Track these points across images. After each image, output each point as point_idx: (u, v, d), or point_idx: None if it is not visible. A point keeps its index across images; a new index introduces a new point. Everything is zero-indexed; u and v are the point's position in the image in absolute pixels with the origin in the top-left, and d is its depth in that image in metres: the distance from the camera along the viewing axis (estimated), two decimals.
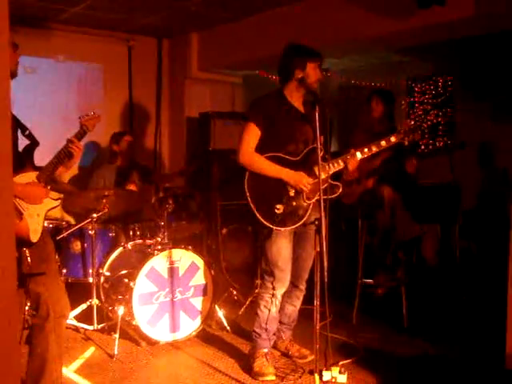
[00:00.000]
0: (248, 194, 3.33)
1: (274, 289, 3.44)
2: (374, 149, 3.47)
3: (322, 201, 2.99)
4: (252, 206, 3.31)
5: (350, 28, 4.72)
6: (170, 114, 6.79)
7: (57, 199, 2.86)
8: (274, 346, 3.71)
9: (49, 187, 2.82)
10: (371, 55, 6.33)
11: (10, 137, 1.47)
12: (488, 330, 4.08)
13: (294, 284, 3.58)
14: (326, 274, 2.94)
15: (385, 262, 4.43)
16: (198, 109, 6.41)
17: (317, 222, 3.02)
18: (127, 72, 6.38)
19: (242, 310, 4.53)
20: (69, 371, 3.51)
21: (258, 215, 3.30)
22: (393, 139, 3.49)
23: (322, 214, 2.96)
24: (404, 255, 4.46)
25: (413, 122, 3.55)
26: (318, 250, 2.97)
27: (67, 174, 3.50)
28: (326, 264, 2.96)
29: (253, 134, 3.39)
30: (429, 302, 4.71)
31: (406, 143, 3.51)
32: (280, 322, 3.68)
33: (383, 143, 3.47)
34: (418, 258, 4.78)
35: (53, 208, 2.85)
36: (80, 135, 2.93)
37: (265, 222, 3.30)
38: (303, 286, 3.64)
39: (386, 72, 6.83)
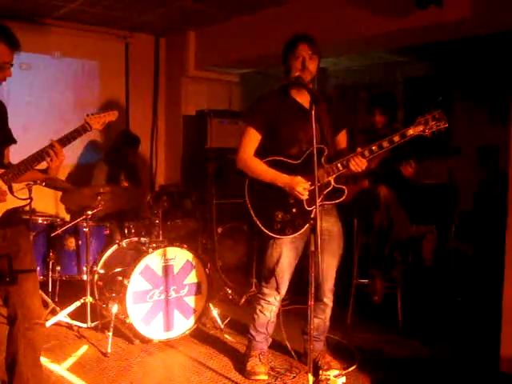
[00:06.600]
0: (248, 201, 3.22)
1: (269, 295, 3.36)
2: (386, 145, 3.04)
3: (317, 203, 2.79)
4: (252, 212, 3.20)
5: (347, 27, 4.70)
6: (167, 111, 6.77)
7: (25, 199, 2.66)
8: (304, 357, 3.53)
9: (5, 188, 2.56)
10: (368, 55, 6.32)
11: None
12: (483, 332, 4.08)
13: (316, 297, 3.23)
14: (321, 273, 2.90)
15: (380, 262, 4.41)
16: (195, 107, 6.42)
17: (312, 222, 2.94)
18: (124, 69, 6.35)
19: (237, 309, 4.52)
20: (61, 369, 3.50)
21: (257, 222, 3.20)
22: (410, 132, 2.99)
23: (318, 215, 2.81)
24: (400, 255, 4.44)
25: (439, 110, 3.00)
26: (313, 249, 2.92)
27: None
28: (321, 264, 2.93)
29: (251, 139, 3.24)
30: (424, 303, 4.70)
31: (429, 135, 2.97)
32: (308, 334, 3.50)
33: (396, 138, 3.01)
34: (414, 258, 4.77)
35: (17, 207, 2.65)
36: (74, 133, 2.63)
37: (265, 230, 3.20)
38: (328, 299, 3.42)
39: (383, 72, 6.82)
